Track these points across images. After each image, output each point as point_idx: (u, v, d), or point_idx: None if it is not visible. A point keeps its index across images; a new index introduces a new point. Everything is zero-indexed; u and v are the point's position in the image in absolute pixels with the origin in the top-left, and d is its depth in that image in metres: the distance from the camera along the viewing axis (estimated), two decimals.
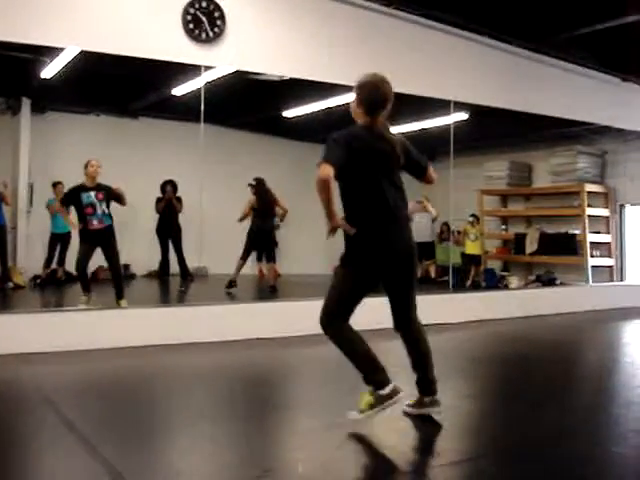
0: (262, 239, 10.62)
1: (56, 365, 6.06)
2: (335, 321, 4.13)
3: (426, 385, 4.25)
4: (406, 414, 4.23)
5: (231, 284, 10.26)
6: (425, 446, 4.03)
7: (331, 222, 3.96)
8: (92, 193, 8.02)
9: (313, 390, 5.50)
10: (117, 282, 8.10)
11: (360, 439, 4.01)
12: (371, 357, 4.10)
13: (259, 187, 10.58)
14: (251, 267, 13.28)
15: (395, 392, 4.02)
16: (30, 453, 3.81)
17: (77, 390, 5.31)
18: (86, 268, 8.21)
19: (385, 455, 3.86)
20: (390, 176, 4.14)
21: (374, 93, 4.14)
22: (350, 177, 4.04)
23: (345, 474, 3.50)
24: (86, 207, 7.97)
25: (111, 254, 8.10)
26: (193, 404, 4.86)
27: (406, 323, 4.29)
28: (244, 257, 10.58)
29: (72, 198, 8.14)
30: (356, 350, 4.11)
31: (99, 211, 8.00)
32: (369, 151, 4.07)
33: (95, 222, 7.96)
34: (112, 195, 8.18)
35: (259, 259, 12.45)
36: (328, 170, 3.84)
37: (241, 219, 10.64)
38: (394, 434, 4.12)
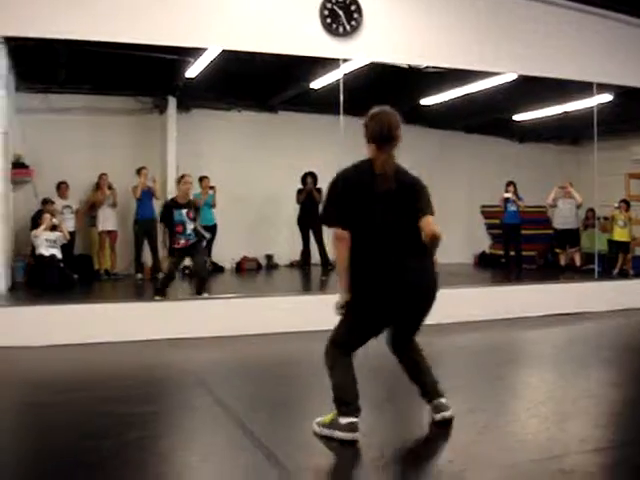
0: None
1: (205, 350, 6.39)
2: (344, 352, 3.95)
3: (434, 388, 4.12)
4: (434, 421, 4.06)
5: None
6: (566, 433, 3.98)
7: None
8: (184, 211, 8.06)
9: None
10: (200, 281, 8.15)
11: (499, 426, 4.02)
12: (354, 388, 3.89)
13: None
14: None
15: (351, 429, 3.78)
16: (188, 430, 4.11)
17: (228, 373, 5.59)
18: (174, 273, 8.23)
19: (526, 442, 3.85)
20: (393, 215, 3.84)
21: (378, 126, 3.87)
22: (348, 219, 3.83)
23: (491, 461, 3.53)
24: (177, 225, 8.00)
25: (197, 260, 8.21)
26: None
27: (406, 345, 4.15)
28: None
29: (165, 214, 8.18)
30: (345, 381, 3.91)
31: (188, 230, 8.04)
32: (364, 190, 3.85)
33: (183, 241, 7.97)
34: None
35: None
36: (339, 232, 3.79)
37: None
38: (534, 420, 4.10)
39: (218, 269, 11.77)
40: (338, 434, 3.76)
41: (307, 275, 11.76)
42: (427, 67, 8.33)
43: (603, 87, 9.29)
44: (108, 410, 4.35)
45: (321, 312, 7.24)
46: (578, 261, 12.13)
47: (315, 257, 11.74)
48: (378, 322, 3.91)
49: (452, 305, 7.95)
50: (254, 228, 12.09)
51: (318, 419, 3.91)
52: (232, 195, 11.39)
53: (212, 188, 11.19)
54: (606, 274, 10.89)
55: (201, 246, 8.34)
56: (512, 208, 12.12)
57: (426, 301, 3.89)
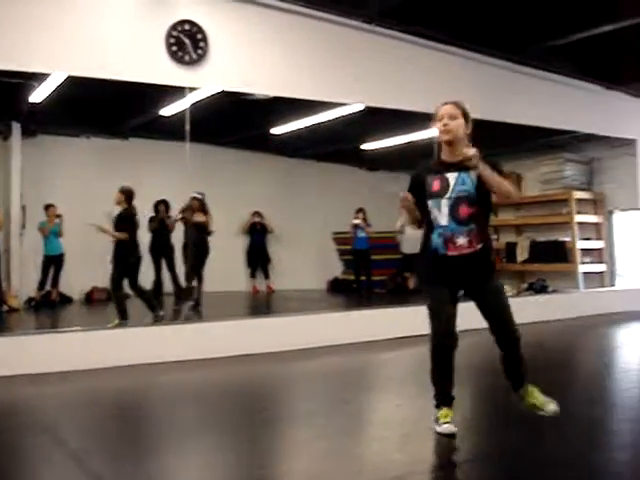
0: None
1: (56, 386, 6.15)
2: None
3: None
4: None
5: None
6: (408, 454, 4.09)
7: None
8: None
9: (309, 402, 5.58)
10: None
11: (342, 451, 4.09)
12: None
13: None
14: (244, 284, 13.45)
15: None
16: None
17: (77, 410, 5.39)
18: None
19: (368, 464, 3.94)
20: None
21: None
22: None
23: None
24: None
25: None
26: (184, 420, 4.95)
27: None
28: None
29: None
30: None
31: None
32: None
33: None
34: None
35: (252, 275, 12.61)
36: None
37: None
38: (376, 443, 4.19)
39: (66, 300, 11.40)
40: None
41: (160, 304, 11.55)
42: (275, 97, 8.40)
43: None
44: None
45: (174, 343, 7.24)
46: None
47: (168, 286, 11.56)
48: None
49: (305, 331, 8.10)
50: (104, 258, 11.75)
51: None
52: (81, 224, 11.06)
53: (59, 217, 10.87)
54: None
55: None
56: (362, 234, 12.47)
57: None
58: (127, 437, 4.59)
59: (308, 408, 5.31)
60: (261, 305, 12.73)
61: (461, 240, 4.17)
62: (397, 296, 12.77)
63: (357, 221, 12.46)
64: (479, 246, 4.16)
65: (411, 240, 12.60)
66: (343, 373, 6.86)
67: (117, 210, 8.63)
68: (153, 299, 8.74)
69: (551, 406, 4.25)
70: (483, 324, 4.29)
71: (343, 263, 14.45)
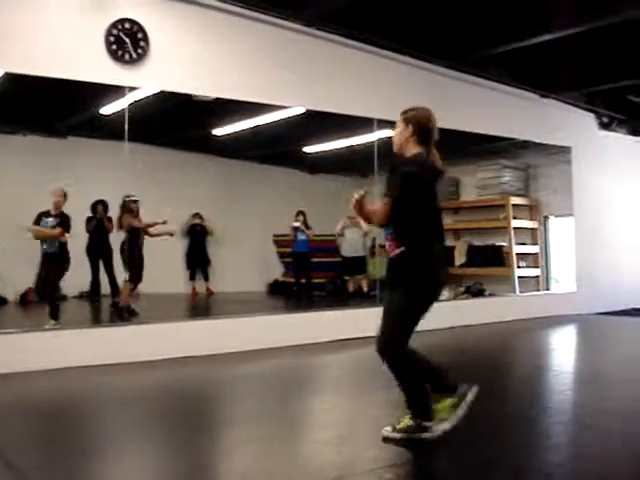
0: None
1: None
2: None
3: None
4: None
5: None
6: (344, 455, 4.13)
7: None
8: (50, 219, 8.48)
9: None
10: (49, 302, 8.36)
11: (281, 454, 4.10)
12: (434, 366, 4.29)
13: None
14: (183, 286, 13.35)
15: (470, 388, 4.23)
16: None
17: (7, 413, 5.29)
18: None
19: (307, 466, 3.96)
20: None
21: (427, 123, 4.32)
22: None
23: None
24: None
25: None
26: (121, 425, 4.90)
27: None
28: None
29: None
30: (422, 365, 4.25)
31: None
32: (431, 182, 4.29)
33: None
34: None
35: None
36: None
37: None
38: (315, 445, 4.21)
39: (1, 301, 11.17)
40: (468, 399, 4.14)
41: (96, 307, 11.41)
42: (216, 98, 8.37)
43: (384, 123, 9.81)
44: None
45: (112, 345, 7.15)
46: (365, 287, 12.67)
47: (105, 288, 11.40)
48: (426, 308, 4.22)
49: (244, 333, 8.09)
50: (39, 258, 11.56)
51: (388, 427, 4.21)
52: (15, 224, 10.83)
53: None
54: None
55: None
56: (302, 237, 12.50)
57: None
58: (59, 441, 4.51)
59: (246, 410, 5.31)
60: (200, 307, 12.65)
61: (387, 243, 4.25)
62: (337, 299, 12.83)
63: (297, 224, 12.49)
64: (397, 251, 4.17)
65: (351, 243, 12.75)
66: (282, 376, 6.88)
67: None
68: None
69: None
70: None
71: (283, 265, 14.45)
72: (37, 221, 8.55)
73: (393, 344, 4.16)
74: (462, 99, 10.31)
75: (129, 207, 9.77)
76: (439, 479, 3.95)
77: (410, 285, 4.14)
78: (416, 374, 4.19)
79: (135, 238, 9.81)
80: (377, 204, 4.16)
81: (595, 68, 10.36)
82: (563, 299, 12.01)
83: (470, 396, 4.19)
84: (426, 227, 4.22)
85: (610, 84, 11.04)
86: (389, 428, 4.24)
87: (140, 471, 3.93)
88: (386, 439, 4.20)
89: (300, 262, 12.80)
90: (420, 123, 4.30)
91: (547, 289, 12.85)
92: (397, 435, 4.19)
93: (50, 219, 8.47)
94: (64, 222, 8.55)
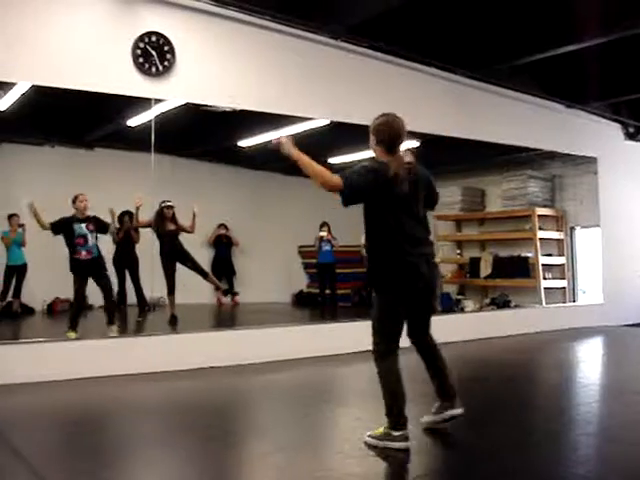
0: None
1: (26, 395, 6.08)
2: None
3: (446, 390, 4.47)
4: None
5: None
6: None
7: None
8: (84, 225, 8.51)
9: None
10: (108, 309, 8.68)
11: (299, 465, 4.10)
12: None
13: None
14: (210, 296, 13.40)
15: (405, 439, 4.17)
16: None
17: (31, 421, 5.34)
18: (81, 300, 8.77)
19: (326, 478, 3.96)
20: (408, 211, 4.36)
21: (388, 131, 4.34)
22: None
23: None
24: (77, 238, 8.45)
25: (103, 283, 8.65)
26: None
27: (421, 334, 4.54)
28: None
29: (64, 228, 8.55)
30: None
31: (90, 242, 8.51)
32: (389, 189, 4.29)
33: (84, 252, 8.47)
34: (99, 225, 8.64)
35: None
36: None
37: None
38: (338, 457, 4.21)
39: (28, 310, 11.28)
40: (392, 444, 4.11)
41: (123, 317, 11.48)
42: (242, 110, 8.42)
43: (409, 134, 9.79)
44: None
45: (139, 355, 7.20)
46: None
47: (131, 298, 11.48)
48: (402, 313, 4.28)
49: (269, 343, 8.10)
50: (67, 268, 11.66)
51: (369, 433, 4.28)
52: (44, 234, 10.96)
53: (22, 226, 10.74)
54: None
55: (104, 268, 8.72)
56: (326, 247, 12.52)
57: (429, 287, 4.39)
58: (81, 451, 4.54)
59: (268, 421, 5.33)
60: (225, 317, 12.70)
61: None
62: (362, 310, 12.79)
63: (322, 234, 12.50)
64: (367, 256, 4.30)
65: None
66: (305, 386, 6.88)
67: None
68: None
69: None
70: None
71: (308, 276, 14.46)
72: (68, 227, 8.53)
73: (376, 349, 4.31)
74: (488, 110, 10.30)
75: (164, 213, 9.97)
76: None
77: (377, 288, 4.34)
78: (394, 387, 4.26)
79: (169, 245, 10.05)
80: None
81: (621, 78, 10.32)
82: (590, 311, 11.89)
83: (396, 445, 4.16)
84: (390, 231, 4.28)
85: (636, 94, 10.97)
86: (369, 432, 4.32)
87: None
88: (365, 443, 4.30)
89: (325, 273, 12.81)
90: (378, 132, 4.36)
91: (574, 300, 12.75)
92: (372, 441, 4.27)
93: (83, 224, 8.52)
94: (98, 221, 8.71)
